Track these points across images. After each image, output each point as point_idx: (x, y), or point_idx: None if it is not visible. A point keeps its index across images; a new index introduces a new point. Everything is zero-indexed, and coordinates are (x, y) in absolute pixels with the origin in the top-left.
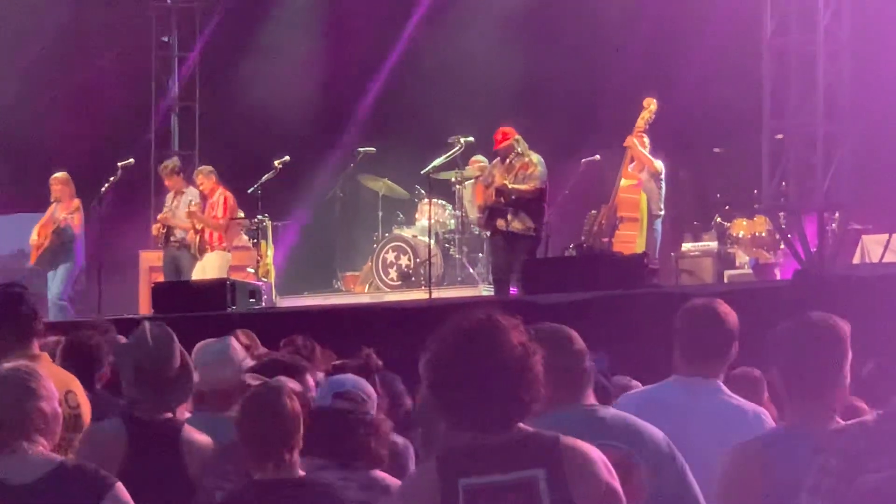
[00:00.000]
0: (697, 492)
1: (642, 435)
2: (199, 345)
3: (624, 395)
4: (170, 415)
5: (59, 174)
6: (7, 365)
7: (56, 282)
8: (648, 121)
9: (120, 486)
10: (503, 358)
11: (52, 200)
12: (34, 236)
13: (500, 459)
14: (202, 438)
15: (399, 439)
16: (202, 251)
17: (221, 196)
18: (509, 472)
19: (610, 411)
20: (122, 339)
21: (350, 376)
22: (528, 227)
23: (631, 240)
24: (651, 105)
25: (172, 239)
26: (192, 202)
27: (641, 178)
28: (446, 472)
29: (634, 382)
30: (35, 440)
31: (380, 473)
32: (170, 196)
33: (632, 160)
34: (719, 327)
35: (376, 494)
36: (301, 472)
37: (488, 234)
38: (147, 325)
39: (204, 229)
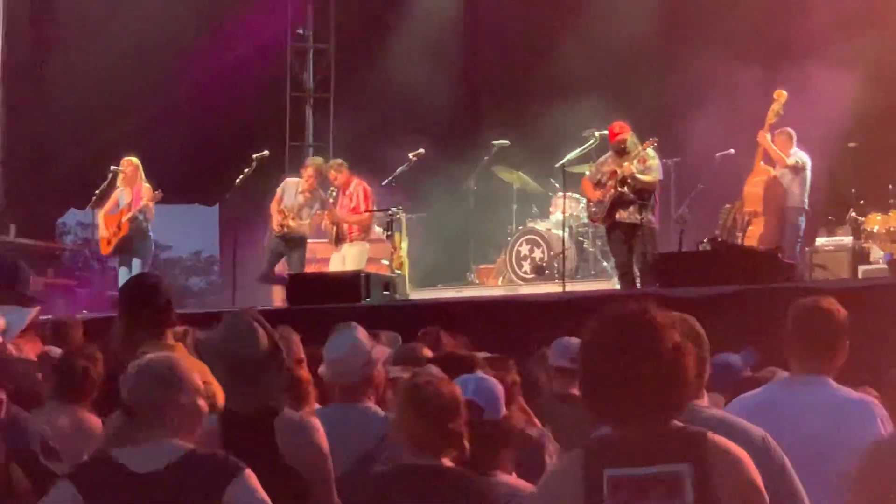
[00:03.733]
0: (797, 486)
1: (734, 431)
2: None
3: (736, 398)
4: (265, 404)
5: (131, 157)
6: (150, 356)
7: (136, 270)
8: (779, 113)
9: (249, 472)
10: (656, 357)
11: (117, 185)
12: (102, 224)
13: (646, 452)
14: (312, 422)
15: (534, 431)
16: (339, 241)
17: (360, 187)
18: (655, 466)
19: (709, 412)
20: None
21: (473, 379)
22: (649, 219)
23: (757, 235)
24: (781, 97)
25: (288, 235)
26: (318, 211)
27: (774, 172)
28: (592, 462)
29: (781, 373)
30: (171, 433)
31: (502, 476)
32: (295, 184)
33: (766, 154)
34: (827, 324)
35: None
36: (448, 463)
37: (605, 228)
38: (227, 316)
39: (339, 222)
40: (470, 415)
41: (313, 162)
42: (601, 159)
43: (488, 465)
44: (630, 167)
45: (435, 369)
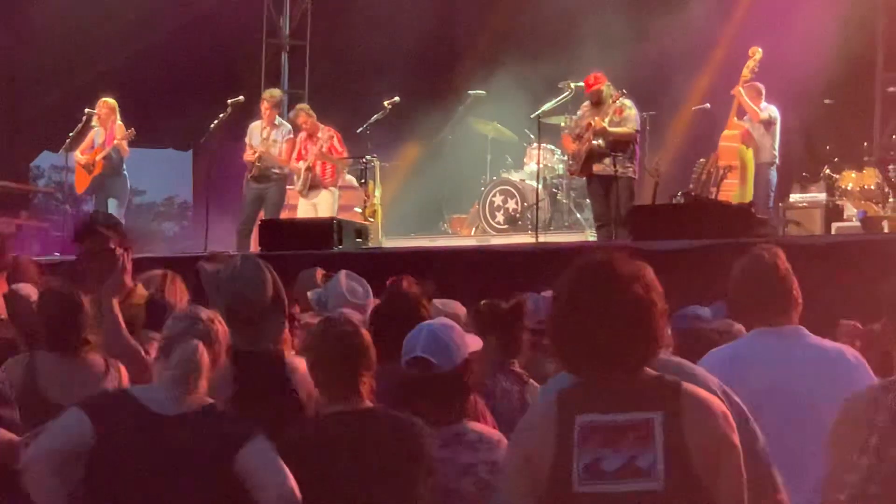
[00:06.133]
0: (759, 439)
1: (695, 378)
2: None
3: (710, 352)
4: (267, 346)
5: (107, 98)
6: (191, 307)
7: (112, 211)
8: (753, 69)
9: (264, 437)
10: (621, 307)
11: (93, 125)
12: (80, 159)
13: (618, 400)
14: (300, 364)
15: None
16: (314, 188)
17: (329, 133)
18: (626, 413)
19: (666, 358)
20: (210, 268)
21: (425, 331)
22: (626, 169)
23: (732, 188)
24: (756, 54)
25: (265, 175)
26: (288, 137)
27: (747, 127)
28: (564, 408)
29: (737, 326)
30: (196, 383)
31: (468, 424)
32: (258, 126)
33: (740, 109)
34: (786, 274)
35: (460, 449)
36: (369, 404)
37: (585, 180)
38: (239, 257)
39: (315, 166)
40: (421, 372)
41: (268, 94)
42: (580, 112)
43: (452, 417)
44: (601, 121)
45: (348, 312)
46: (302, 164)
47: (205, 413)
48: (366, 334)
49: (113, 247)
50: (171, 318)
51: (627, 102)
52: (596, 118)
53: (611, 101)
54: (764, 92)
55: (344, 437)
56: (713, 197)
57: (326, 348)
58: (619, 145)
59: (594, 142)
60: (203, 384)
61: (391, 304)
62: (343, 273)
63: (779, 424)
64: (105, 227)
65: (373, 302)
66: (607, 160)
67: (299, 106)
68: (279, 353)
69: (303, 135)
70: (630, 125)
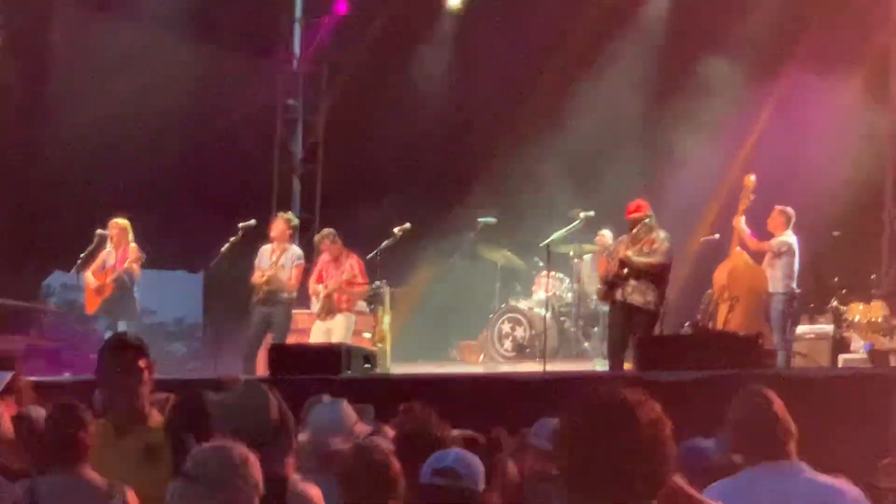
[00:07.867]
0: None
1: None
2: (314, 407)
3: (715, 483)
4: (273, 471)
5: (119, 219)
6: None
7: None
8: (749, 197)
9: None
10: (632, 437)
11: (107, 247)
12: (92, 281)
13: None
14: (312, 491)
15: None
16: (330, 313)
17: (353, 260)
18: None
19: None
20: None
21: (454, 451)
22: (647, 301)
23: (736, 318)
24: (749, 183)
25: (273, 298)
26: (297, 262)
27: (746, 257)
28: None
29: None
30: None
31: None
32: (268, 250)
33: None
34: (780, 411)
35: None
36: None
37: (607, 305)
38: (242, 383)
39: (332, 292)
40: (450, 482)
41: (280, 217)
42: (621, 238)
43: None
44: (625, 250)
45: (384, 442)
46: (321, 288)
47: None
48: (395, 463)
49: (142, 366)
50: (193, 455)
51: (662, 235)
52: (622, 246)
53: (644, 231)
54: (792, 218)
55: None
56: (721, 328)
57: (356, 475)
58: (641, 275)
59: (618, 269)
60: None
61: (416, 428)
62: (325, 399)
63: None
64: (135, 346)
65: (366, 429)
66: (629, 289)
67: (324, 231)
68: (283, 478)
69: (325, 256)
70: (656, 257)
